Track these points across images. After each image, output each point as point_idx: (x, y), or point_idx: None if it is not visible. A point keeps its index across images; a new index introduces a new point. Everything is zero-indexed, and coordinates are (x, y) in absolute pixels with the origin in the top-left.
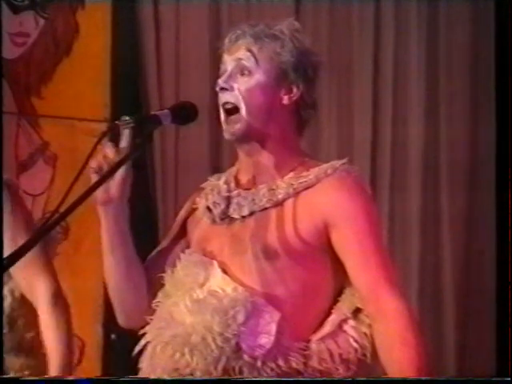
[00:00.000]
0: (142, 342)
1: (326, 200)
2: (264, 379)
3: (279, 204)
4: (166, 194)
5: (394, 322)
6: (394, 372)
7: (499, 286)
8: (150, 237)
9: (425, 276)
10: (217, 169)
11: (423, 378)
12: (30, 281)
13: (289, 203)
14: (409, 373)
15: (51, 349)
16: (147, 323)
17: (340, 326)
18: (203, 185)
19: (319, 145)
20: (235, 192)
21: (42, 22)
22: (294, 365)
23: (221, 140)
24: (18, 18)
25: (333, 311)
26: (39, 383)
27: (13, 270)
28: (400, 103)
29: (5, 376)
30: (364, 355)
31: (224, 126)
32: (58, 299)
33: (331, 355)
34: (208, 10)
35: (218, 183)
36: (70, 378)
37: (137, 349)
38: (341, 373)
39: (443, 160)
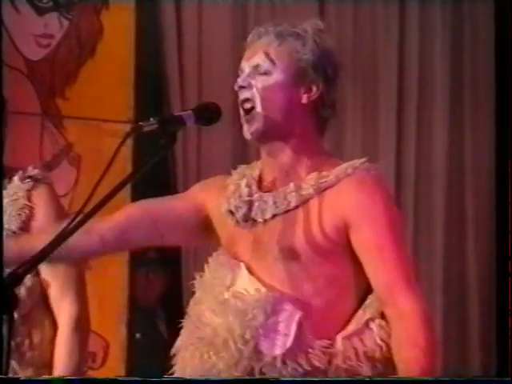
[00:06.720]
0: (176, 344)
1: (345, 201)
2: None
3: (303, 205)
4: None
5: (406, 322)
6: (401, 371)
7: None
8: None
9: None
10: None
11: (423, 378)
12: (59, 296)
13: (313, 203)
14: (413, 373)
15: (59, 372)
16: None
17: (366, 324)
18: (230, 178)
19: (343, 146)
20: (256, 195)
21: (66, 23)
22: (316, 363)
23: (244, 140)
24: (43, 20)
25: (360, 310)
26: (40, 383)
27: (48, 276)
28: (425, 102)
29: (5, 376)
30: (390, 353)
31: (244, 126)
32: (80, 325)
33: (356, 353)
34: (230, 10)
35: (240, 184)
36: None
37: (172, 352)
38: (366, 371)
39: (468, 163)
